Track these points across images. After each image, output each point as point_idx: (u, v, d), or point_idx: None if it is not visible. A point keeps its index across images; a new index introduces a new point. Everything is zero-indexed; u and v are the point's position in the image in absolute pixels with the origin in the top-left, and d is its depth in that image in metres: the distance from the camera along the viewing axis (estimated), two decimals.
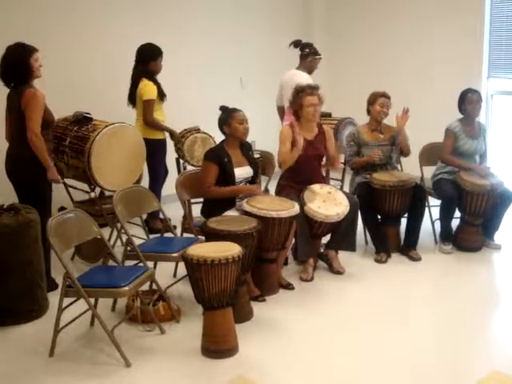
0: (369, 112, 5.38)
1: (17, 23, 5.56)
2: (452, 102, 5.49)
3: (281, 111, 6.25)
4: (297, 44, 6.05)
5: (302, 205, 4.59)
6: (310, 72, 6.02)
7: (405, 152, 5.39)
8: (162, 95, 5.66)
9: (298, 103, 4.88)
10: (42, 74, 4.34)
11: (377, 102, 5.27)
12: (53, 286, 4.46)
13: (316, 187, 4.80)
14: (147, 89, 5.54)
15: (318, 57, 6.08)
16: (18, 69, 4.24)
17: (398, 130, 5.22)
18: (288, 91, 5.79)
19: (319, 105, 4.88)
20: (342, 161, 5.64)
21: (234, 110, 4.53)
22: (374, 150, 5.21)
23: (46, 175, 4.36)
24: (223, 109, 4.58)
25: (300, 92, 4.89)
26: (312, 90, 4.89)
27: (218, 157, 4.45)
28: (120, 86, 5.76)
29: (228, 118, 4.49)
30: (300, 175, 4.86)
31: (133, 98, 5.69)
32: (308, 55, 6.02)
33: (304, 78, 5.84)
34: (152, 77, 5.61)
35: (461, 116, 5.46)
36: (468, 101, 5.36)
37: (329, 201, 4.70)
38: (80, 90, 5.96)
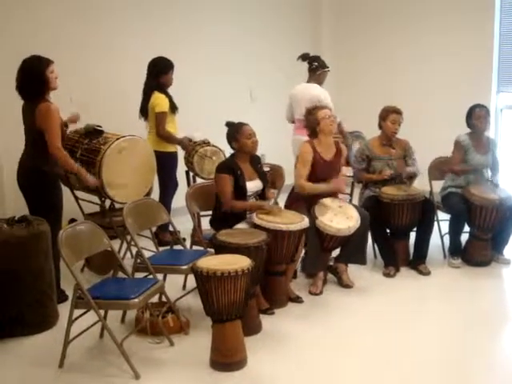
0: (380, 126, 5.38)
1: (28, 33, 5.60)
2: (461, 116, 5.48)
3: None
4: (304, 57, 6.08)
5: (314, 218, 4.60)
6: (319, 84, 6.06)
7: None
8: (173, 108, 5.70)
9: (314, 120, 4.89)
10: (58, 86, 4.37)
11: (388, 118, 5.27)
12: (62, 297, 4.47)
13: (327, 201, 4.80)
14: (159, 102, 5.58)
15: (326, 69, 6.11)
16: (34, 81, 4.27)
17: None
18: (301, 104, 5.83)
19: (335, 116, 4.91)
20: (350, 174, 5.65)
21: (241, 125, 4.52)
22: (385, 168, 5.25)
23: (56, 187, 4.42)
24: (229, 125, 4.59)
25: (312, 110, 4.93)
26: (321, 105, 4.94)
27: (231, 169, 4.47)
28: (131, 99, 5.80)
29: (236, 133, 4.50)
30: None
31: (145, 111, 5.73)
32: (317, 69, 6.05)
33: (319, 90, 5.90)
34: (164, 90, 5.65)
35: (470, 131, 5.47)
36: (475, 116, 5.36)
37: (340, 214, 4.70)
38: (91, 102, 5.98)
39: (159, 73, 5.63)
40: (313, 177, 4.82)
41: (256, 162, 4.68)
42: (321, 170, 4.84)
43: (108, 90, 6.24)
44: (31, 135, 4.36)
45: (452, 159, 5.45)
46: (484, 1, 7.07)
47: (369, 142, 5.47)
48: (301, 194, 4.85)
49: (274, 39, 7.80)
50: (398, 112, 5.29)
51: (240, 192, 4.46)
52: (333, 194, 4.90)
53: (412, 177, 5.41)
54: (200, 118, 6.63)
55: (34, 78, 4.27)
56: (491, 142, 5.60)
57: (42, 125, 4.25)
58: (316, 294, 4.73)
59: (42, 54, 4.35)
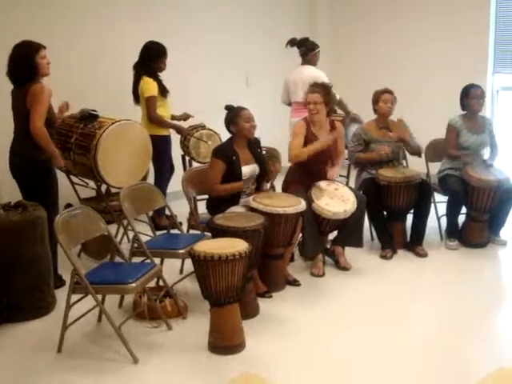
0: (375, 111, 5.38)
1: (24, 20, 5.56)
2: (457, 98, 5.47)
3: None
4: (293, 43, 6.09)
5: (310, 202, 4.59)
6: (313, 66, 6.07)
7: (417, 153, 5.41)
8: (163, 91, 5.65)
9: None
10: (50, 72, 4.33)
11: (380, 99, 5.29)
12: (60, 282, 4.46)
13: (323, 184, 4.79)
14: (147, 86, 5.56)
15: (316, 50, 6.10)
16: (24, 67, 4.21)
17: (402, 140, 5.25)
18: (297, 86, 5.82)
19: (320, 103, 4.84)
20: (347, 157, 5.64)
21: (241, 109, 4.51)
22: (383, 145, 5.21)
23: (50, 174, 4.39)
24: (229, 108, 4.57)
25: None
26: (313, 87, 4.90)
27: (225, 155, 4.45)
28: (127, 83, 5.76)
29: (235, 117, 4.48)
30: (309, 172, 4.84)
31: (136, 96, 5.70)
32: (306, 53, 6.06)
33: (313, 71, 5.88)
34: (153, 73, 5.60)
35: (463, 112, 5.46)
36: (470, 96, 5.36)
37: (336, 198, 4.69)
38: (87, 87, 5.95)
39: (150, 58, 5.59)
40: (310, 156, 4.79)
41: (255, 145, 4.67)
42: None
43: (104, 74, 6.20)
44: (21, 121, 4.29)
45: (447, 142, 5.44)
46: None
47: (365, 126, 5.45)
48: (298, 176, 4.85)
49: (271, 25, 7.77)
50: (388, 92, 5.31)
51: (235, 177, 4.45)
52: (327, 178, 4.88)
53: (417, 153, 5.40)
54: (196, 103, 6.59)
55: (23, 64, 4.21)
56: (486, 121, 5.59)
57: (31, 104, 4.17)
58: (319, 276, 4.74)
59: (38, 40, 4.30)
